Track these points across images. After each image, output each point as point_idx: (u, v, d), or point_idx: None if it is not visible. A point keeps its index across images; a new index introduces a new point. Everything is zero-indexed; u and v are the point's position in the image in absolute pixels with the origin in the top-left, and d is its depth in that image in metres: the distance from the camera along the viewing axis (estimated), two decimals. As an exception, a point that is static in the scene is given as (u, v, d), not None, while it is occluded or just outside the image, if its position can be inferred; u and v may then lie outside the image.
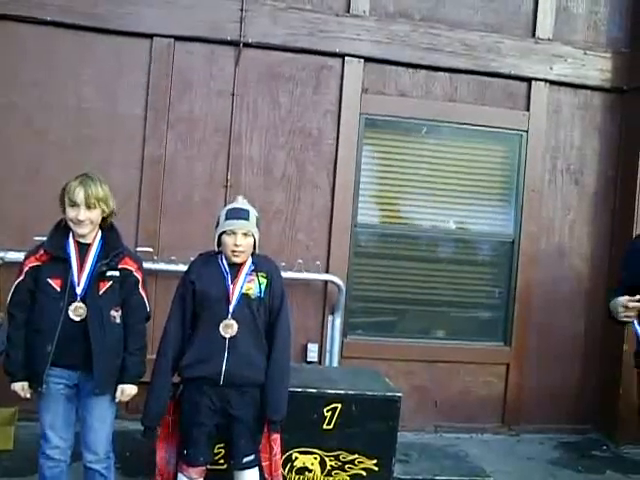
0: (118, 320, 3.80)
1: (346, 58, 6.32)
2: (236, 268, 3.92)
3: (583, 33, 6.84)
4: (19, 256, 3.92)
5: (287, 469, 4.67)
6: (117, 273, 3.80)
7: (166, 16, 6.00)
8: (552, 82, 6.73)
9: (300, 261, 6.07)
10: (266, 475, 4.07)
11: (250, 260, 3.95)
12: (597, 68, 6.76)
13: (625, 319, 4.09)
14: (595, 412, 6.86)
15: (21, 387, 3.75)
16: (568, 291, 6.81)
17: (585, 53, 6.73)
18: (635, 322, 4.08)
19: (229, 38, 6.10)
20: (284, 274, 5.01)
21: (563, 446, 6.57)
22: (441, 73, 6.56)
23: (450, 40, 6.49)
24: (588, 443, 6.67)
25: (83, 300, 3.69)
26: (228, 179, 6.15)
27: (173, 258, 5.89)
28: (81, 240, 3.78)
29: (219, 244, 3.94)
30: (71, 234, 3.78)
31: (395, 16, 6.46)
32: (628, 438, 6.50)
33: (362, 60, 6.35)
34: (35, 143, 5.91)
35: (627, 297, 4.02)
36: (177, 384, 3.99)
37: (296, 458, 4.64)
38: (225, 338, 3.81)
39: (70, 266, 3.71)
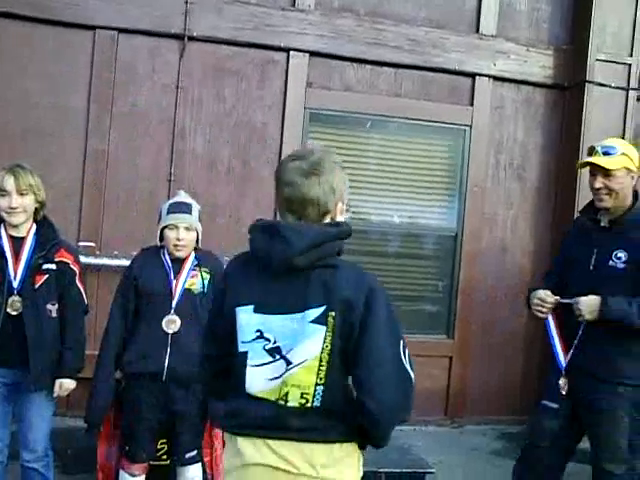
0: (54, 314, 3.78)
1: (291, 52, 6.32)
2: (179, 263, 3.91)
3: (525, 30, 6.92)
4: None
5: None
6: (53, 266, 3.78)
7: (110, 8, 5.93)
8: (495, 78, 6.81)
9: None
10: (207, 470, 4.08)
11: (193, 255, 3.95)
12: (539, 65, 6.86)
13: (538, 314, 4.05)
14: (535, 403, 6.93)
15: None
16: (510, 285, 6.91)
17: (528, 50, 6.82)
18: (550, 319, 4.04)
19: (174, 31, 6.06)
20: (229, 269, 5.02)
21: (505, 437, 6.67)
22: (386, 68, 6.59)
23: (395, 35, 6.52)
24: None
25: (19, 294, 3.67)
26: (172, 173, 6.11)
27: (116, 253, 5.85)
28: (15, 233, 3.74)
29: (161, 239, 3.92)
30: (3, 228, 3.74)
31: (340, 11, 6.47)
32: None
33: (307, 54, 6.36)
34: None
35: (548, 292, 3.99)
36: (119, 380, 3.96)
37: (244, 454, 4.63)
38: (168, 334, 3.82)
39: (6, 260, 3.68)
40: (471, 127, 6.77)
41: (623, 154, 3.82)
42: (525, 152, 6.98)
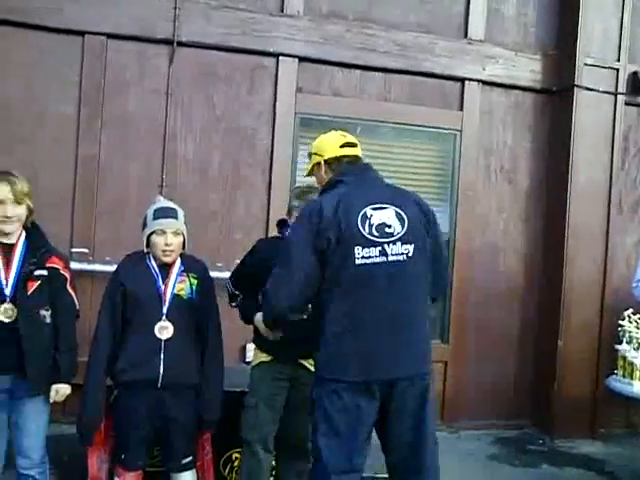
0: (48, 320, 3.75)
1: (280, 58, 6.33)
2: (166, 269, 3.88)
3: (513, 35, 6.98)
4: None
5: (227, 470, 4.64)
6: (45, 272, 3.75)
7: (98, 13, 5.93)
8: (484, 82, 6.85)
9: (237, 261, 5.99)
10: (199, 474, 4.04)
11: (179, 260, 3.92)
12: (528, 69, 6.91)
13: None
14: (531, 407, 6.96)
15: None
16: (503, 288, 6.92)
17: (516, 54, 6.88)
18: None
19: (163, 37, 6.06)
20: (221, 274, 5.02)
21: (501, 441, 6.65)
22: (375, 73, 6.62)
23: (384, 40, 6.55)
24: (525, 438, 6.77)
25: (12, 301, 3.63)
26: (163, 179, 6.10)
27: (108, 259, 5.80)
28: (5, 240, 3.71)
29: (147, 244, 3.89)
30: None
31: (329, 16, 6.49)
32: (563, 432, 6.65)
33: (296, 60, 6.37)
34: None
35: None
36: (109, 387, 3.92)
37: (236, 459, 4.59)
38: (161, 340, 3.77)
39: (-3, 267, 3.65)
40: (461, 131, 6.80)
41: None
42: (515, 156, 7.01)
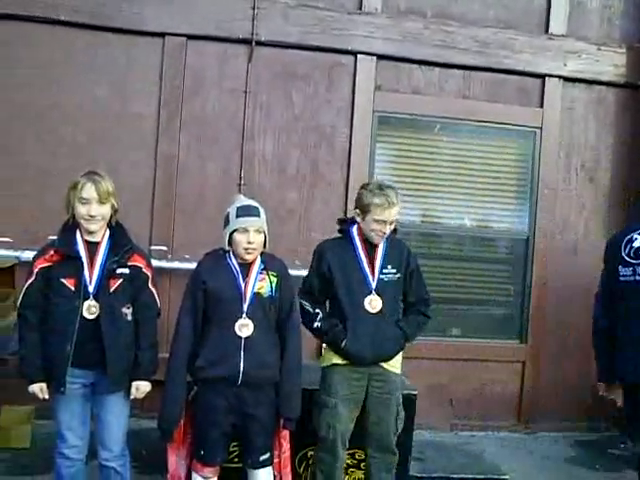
0: (129, 317, 3.81)
1: (359, 56, 6.31)
2: (246, 267, 3.88)
3: (597, 28, 6.81)
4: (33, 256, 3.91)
5: (302, 467, 4.66)
6: (127, 270, 3.81)
7: (178, 15, 6.01)
8: (566, 78, 6.70)
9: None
10: (275, 472, 4.04)
11: (259, 259, 3.92)
12: (611, 63, 6.73)
13: None
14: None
15: (39, 389, 3.74)
16: (583, 288, 6.69)
17: (599, 49, 6.70)
18: None
19: (241, 36, 6.10)
20: (298, 272, 5.00)
21: (580, 444, 6.52)
22: (454, 70, 6.55)
23: (463, 37, 6.47)
24: (605, 441, 6.62)
25: (95, 298, 3.70)
26: (241, 178, 6.15)
27: (187, 256, 5.90)
28: (90, 238, 3.78)
29: (229, 242, 3.91)
30: (79, 233, 3.78)
31: (407, 13, 6.45)
32: (646, 436, 6.47)
33: (375, 57, 6.34)
34: (48, 143, 5.93)
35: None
36: (188, 384, 3.94)
37: (311, 456, 4.59)
38: (241, 338, 3.77)
39: (82, 265, 3.72)
40: (541, 129, 6.67)
41: None
42: (597, 153, 6.85)
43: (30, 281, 3.74)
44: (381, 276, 4.15)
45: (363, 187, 4.21)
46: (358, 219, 4.15)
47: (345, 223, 4.33)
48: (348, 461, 4.52)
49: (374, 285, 4.13)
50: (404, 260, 4.25)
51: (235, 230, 3.83)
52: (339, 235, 4.35)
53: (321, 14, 6.22)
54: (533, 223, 6.69)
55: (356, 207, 4.18)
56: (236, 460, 4.32)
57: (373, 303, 4.11)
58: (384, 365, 4.17)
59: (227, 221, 3.91)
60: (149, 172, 6.06)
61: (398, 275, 4.21)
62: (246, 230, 3.81)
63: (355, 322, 4.09)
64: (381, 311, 4.12)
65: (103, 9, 5.91)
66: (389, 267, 4.18)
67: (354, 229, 4.21)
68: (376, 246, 4.18)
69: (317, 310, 4.19)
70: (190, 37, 6.07)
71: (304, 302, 4.21)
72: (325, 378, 4.22)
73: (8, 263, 5.04)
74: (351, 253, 4.18)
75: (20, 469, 4.99)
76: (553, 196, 6.70)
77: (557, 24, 6.66)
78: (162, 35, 6.03)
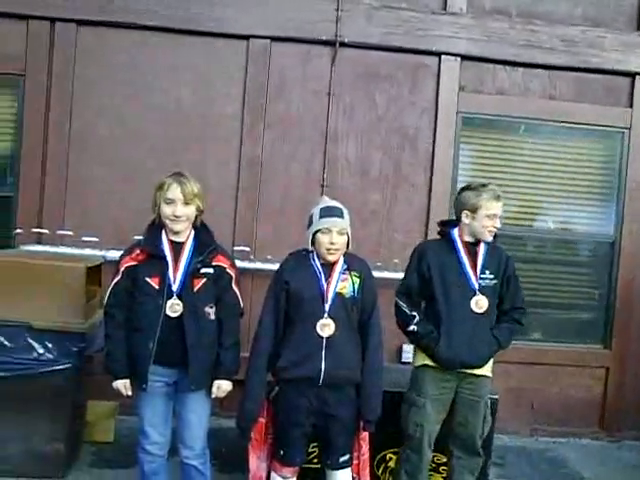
0: (212, 316, 3.86)
1: (442, 56, 6.26)
2: (329, 267, 3.89)
3: (691, 22, 6.59)
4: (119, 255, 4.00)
5: (381, 469, 4.67)
6: (211, 270, 3.86)
7: (262, 17, 6.07)
8: (657, 76, 6.52)
9: (397, 261, 6.03)
10: (354, 474, 4.05)
11: (342, 259, 3.92)
12: None
13: None
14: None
15: (123, 385, 3.84)
16: (671, 292, 6.61)
17: (693, 43, 6.49)
18: None
19: (325, 38, 6.12)
20: (381, 274, 5.00)
21: (666, 454, 6.37)
22: (540, 70, 6.43)
23: (549, 36, 6.35)
24: (692, 450, 6.45)
25: (179, 297, 3.76)
26: (324, 179, 6.18)
27: (269, 257, 5.96)
28: (175, 239, 3.85)
29: (312, 242, 3.93)
30: (164, 233, 3.85)
31: (492, 13, 6.37)
32: None
33: (459, 58, 6.29)
34: (133, 144, 6.08)
35: None
36: (270, 384, 3.98)
37: (390, 459, 4.62)
38: (322, 337, 3.79)
39: (166, 264, 3.78)
40: (630, 129, 6.50)
41: None
42: (687, 154, 6.64)
43: (116, 280, 3.84)
44: (480, 281, 4.16)
45: (464, 190, 4.28)
46: (467, 220, 4.18)
47: (447, 225, 4.35)
48: (427, 464, 4.52)
49: (477, 286, 4.16)
50: (502, 266, 4.27)
51: (318, 230, 3.85)
52: (438, 237, 4.39)
53: (405, 15, 6.19)
54: (620, 226, 6.54)
55: (462, 210, 4.21)
56: (315, 461, 4.37)
57: (480, 303, 4.14)
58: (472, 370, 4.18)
59: (311, 221, 3.94)
60: (233, 173, 6.14)
61: (495, 281, 4.22)
62: (329, 231, 3.82)
63: (451, 325, 4.11)
64: (486, 312, 4.15)
65: (187, 13, 6.01)
66: (487, 272, 4.20)
67: (455, 231, 4.24)
68: (477, 250, 4.21)
69: (414, 313, 4.21)
70: (274, 39, 6.12)
71: (401, 303, 4.25)
72: (416, 378, 4.26)
73: (95, 262, 5.15)
74: (452, 255, 4.21)
75: (104, 463, 5.14)
76: (641, 198, 6.55)
77: (648, 21, 6.49)
78: (246, 37, 6.09)
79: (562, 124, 6.48)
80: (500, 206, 4.18)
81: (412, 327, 4.17)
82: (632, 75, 6.48)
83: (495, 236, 4.24)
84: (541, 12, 6.45)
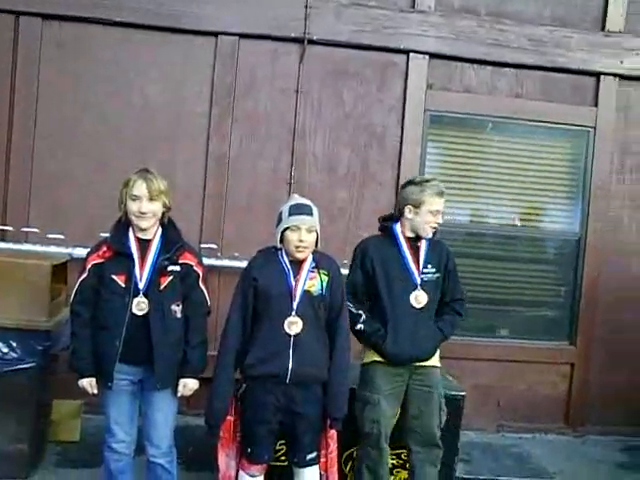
0: (179, 315, 3.84)
1: (411, 54, 6.27)
2: (297, 265, 3.89)
3: (657, 24, 6.65)
4: (86, 253, 3.97)
5: (349, 467, 4.66)
6: (178, 268, 3.84)
7: (231, 14, 6.04)
8: (622, 76, 6.57)
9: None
10: (322, 471, 4.05)
11: (311, 257, 3.92)
12: (669, 61, 6.59)
13: None
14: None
15: (89, 383, 3.81)
16: (635, 289, 6.67)
17: (658, 45, 6.56)
18: None
19: (293, 35, 6.10)
20: (347, 271, 5.00)
21: (630, 449, 6.42)
22: (507, 69, 6.47)
23: (517, 35, 6.39)
24: (657, 446, 6.54)
25: (145, 295, 3.75)
26: (292, 176, 6.17)
27: (236, 255, 5.94)
28: (142, 236, 3.83)
29: (281, 240, 3.93)
30: (131, 230, 3.83)
31: (460, 11, 6.39)
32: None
33: (427, 56, 6.30)
34: (103, 142, 6.01)
35: None
36: (237, 381, 3.97)
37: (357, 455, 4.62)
38: (290, 335, 3.78)
39: (133, 262, 3.76)
40: (595, 128, 6.57)
41: None
42: (654, 154, 6.73)
43: (83, 277, 3.81)
44: (422, 275, 4.19)
45: (408, 184, 4.28)
46: (410, 215, 4.18)
47: (389, 220, 4.35)
48: (394, 461, 4.53)
49: (419, 281, 4.17)
50: (444, 260, 4.30)
51: (287, 228, 3.84)
52: (379, 233, 4.41)
53: (373, 12, 6.19)
54: (585, 223, 6.60)
55: (405, 204, 4.21)
56: (282, 459, 4.34)
57: (419, 298, 4.16)
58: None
59: (280, 219, 3.92)
60: (200, 170, 6.11)
61: (438, 275, 4.25)
62: (298, 228, 3.82)
63: (396, 321, 4.13)
64: (426, 307, 4.17)
65: (158, 9, 5.95)
66: (429, 267, 4.22)
67: (397, 226, 4.25)
68: (419, 245, 4.23)
69: (360, 311, 4.21)
70: (242, 36, 6.09)
71: (347, 302, 4.19)
72: (367, 375, 4.26)
73: (61, 260, 5.11)
74: (394, 250, 4.22)
75: (70, 462, 5.10)
76: (606, 196, 6.61)
77: (614, 21, 6.53)
78: (215, 35, 6.06)
79: (529, 122, 6.53)
80: (443, 202, 4.19)
81: (359, 326, 4.17)
82: (597, 75, 6.54)
83: (435, 232, 4.25)
84: (510, 11, 6.48)
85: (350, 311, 4.16)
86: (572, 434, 6.63)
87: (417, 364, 4.19)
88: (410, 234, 4.22)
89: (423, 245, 4.23)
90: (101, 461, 4.02)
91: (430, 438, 4.24)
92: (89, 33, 5.98)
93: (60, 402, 5.38)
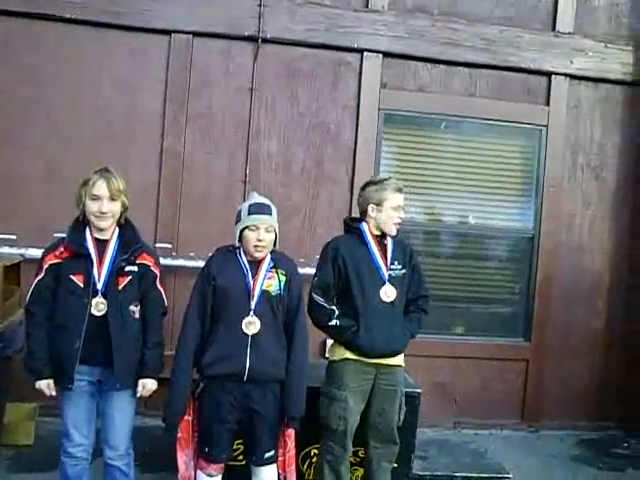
0: (137, 315, 3.82)
1: (364, 53, 6.31)
2: (256, 264, 3.90)
3: (604, 26, 6.77)
4: (39, 253, 3.91)
5: (305, 465, 4.66)
6: (136, 268, 3.82)
7: (185, 12, 6.02)
8: (572, 76, 6.68)
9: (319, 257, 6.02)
10: (280, 470, 4.05)
11: (269, 257, 3.93)
12: (618, 61, 6.70)
13: None
14: (616, 408, 6.81)
15: (47, 385, 3.76)
16: (588, 286, 6.78)
17: (606, 46, 6.67)
18: None
19: (247, 34, 6.10)
20: (304, 270, 5.00)
21: (584, 443, 6.52)
22: (460, 68, 6.54)
23: (469, 35, 6.46)
24: (609, 440, 6.61)
25: (104, 295, 3.71)
26: (247, 175, 6.15)
27: (192, 254, 5.93)
28: (99, 236, 3.80)
29: (239, 239, 3.92)
30: (88, 230, 3.79)
31: (414, 11, 6.43)
32: (650, 435, 6.48)
33: (380, 55, 6.33)
34: (55, 140, 5.94)
35: None
36: (195, 381, 3.96)
37: (315, 455, 4.60)
38: (248, 335, 3.79)
39: (91, 262, 3.72)
40: (547, 127, 6.65)
41: None
42: (603, 152, 6.83)
43: (39, 277, 3.76)
44: (390, 271, 4.24)
45: (367, 185, 4.37)
46: (373, 214, 4.26)
47: (355, 221, 4.40)
48: (351, 459, 4.51)
49: (387, 276, 4.22)
50: (408, 256, 4.38)
51: (246, 227, 3.85)
52: (345, 233, 4.43)
53: (327, 11, 6.22)
54: (538, 221, 6.68)
55: (367, 204, 4.29)
56: (240, 458, 4.34)
57: (388, 292, 4.21)
58: (390, 359, 4.25)
59: (239, 218, 3.93)
60: (154, 169, 6.07)
61: (404, 271, 4.32)
62: (257, 228, 3.83)
63: (368, 316, 4.17)
64: (395, 302, 4.23)
65: (111, 7, 5.91)
66: (396, 263, 4.29)
67: (364, 225, 4.31)
68: (385, 242, 4.30)
69: (333, 307, 4.22)
70: (196, 34, 6.07)
71: (319, 298, 4.22)
72: (335, 371, 4.26)
73: (14, 261, 5.04)
74: (363, 248, 4.27)
75: (23, 466, 5.01)
76: (559, 194, 6.69)
77: (564, 22, 6.64)
78: (169, 32, 6.03)
79: (482, 121, 6.59)
80: (402, 198, 4.30)
81: (334, 321, 4.18)
82: (548, 74, 6.63)
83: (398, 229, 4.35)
84: (462, 11, 6.54)
85: (323, 307, 4.19)
86: (527, 429, 6.70)
87: (384, 362, 4.21)
88: (376, 232, 4.29)
89: (389, 243, 4.31)
90: (56, 465, 3.96)
91: (389, 435, 4.29)
92: (39, 30, 5.90)
93: (14, 405, 5.28)
